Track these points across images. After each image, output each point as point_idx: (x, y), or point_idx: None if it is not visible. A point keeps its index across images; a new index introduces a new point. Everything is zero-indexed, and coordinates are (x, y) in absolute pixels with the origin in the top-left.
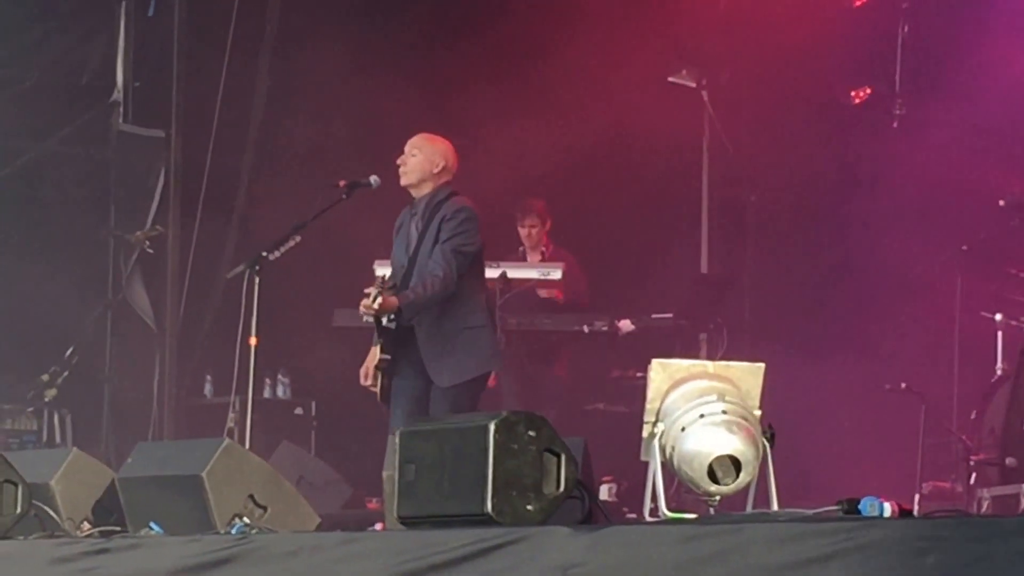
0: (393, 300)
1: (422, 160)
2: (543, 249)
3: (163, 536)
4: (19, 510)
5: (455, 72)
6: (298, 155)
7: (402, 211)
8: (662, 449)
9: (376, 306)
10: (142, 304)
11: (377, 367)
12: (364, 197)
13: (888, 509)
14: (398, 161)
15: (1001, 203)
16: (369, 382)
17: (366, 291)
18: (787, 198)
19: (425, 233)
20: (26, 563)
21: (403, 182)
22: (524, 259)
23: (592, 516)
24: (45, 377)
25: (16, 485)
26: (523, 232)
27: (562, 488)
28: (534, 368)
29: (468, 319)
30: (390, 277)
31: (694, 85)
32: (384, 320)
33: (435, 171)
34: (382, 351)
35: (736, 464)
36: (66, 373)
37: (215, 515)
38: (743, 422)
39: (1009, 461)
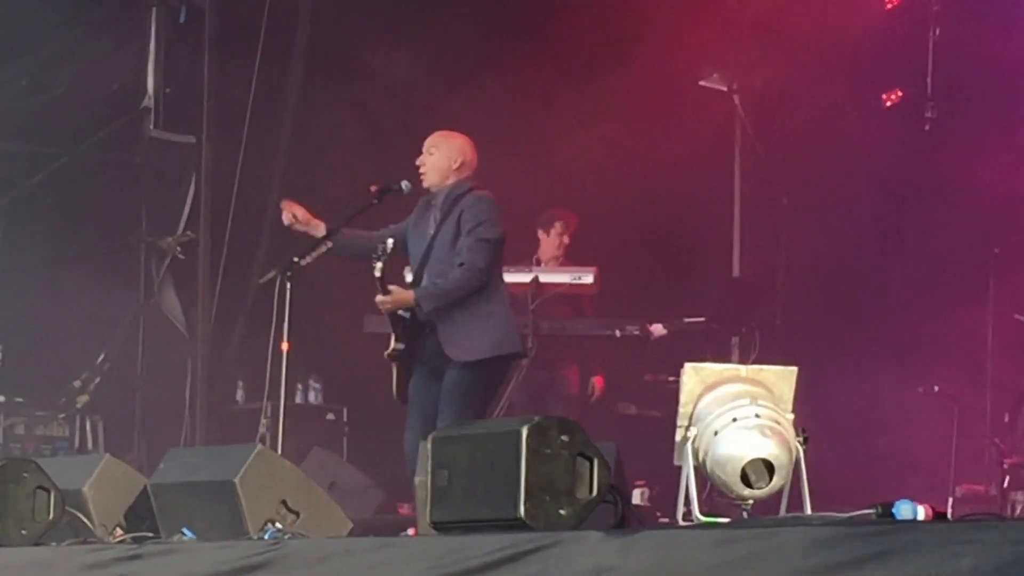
0: (408, 294)
1: (440, 158)
2: (562, 261)
3: (196, 542)
4: (52, 516)
5: (487, 78)
6: (329, 160)
7: (419, 201)
8: (695, 453)
9: (389, 300)
10: (174, 310)
11: (390, 356)
12: (395, 202)
13: (922, 512)
14: (417, 162)
15: None
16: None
17: (373, 264)
18: (818, 201)
19: (443, 224)
20: (59, 569)
21: (424, 183)
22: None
23: (625, 520)
24: (77, 383)
25: (49, 491)
26: (542, 237)
27: (595, 492)
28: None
29: (489, 305)
30: (392, 249)
31: (725, 89)
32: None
33: (454, 167)
34: (396, 340)
35: (769, 468)
36: (98, 379)
37: (248, 521)
38: (776, 426)
39: None
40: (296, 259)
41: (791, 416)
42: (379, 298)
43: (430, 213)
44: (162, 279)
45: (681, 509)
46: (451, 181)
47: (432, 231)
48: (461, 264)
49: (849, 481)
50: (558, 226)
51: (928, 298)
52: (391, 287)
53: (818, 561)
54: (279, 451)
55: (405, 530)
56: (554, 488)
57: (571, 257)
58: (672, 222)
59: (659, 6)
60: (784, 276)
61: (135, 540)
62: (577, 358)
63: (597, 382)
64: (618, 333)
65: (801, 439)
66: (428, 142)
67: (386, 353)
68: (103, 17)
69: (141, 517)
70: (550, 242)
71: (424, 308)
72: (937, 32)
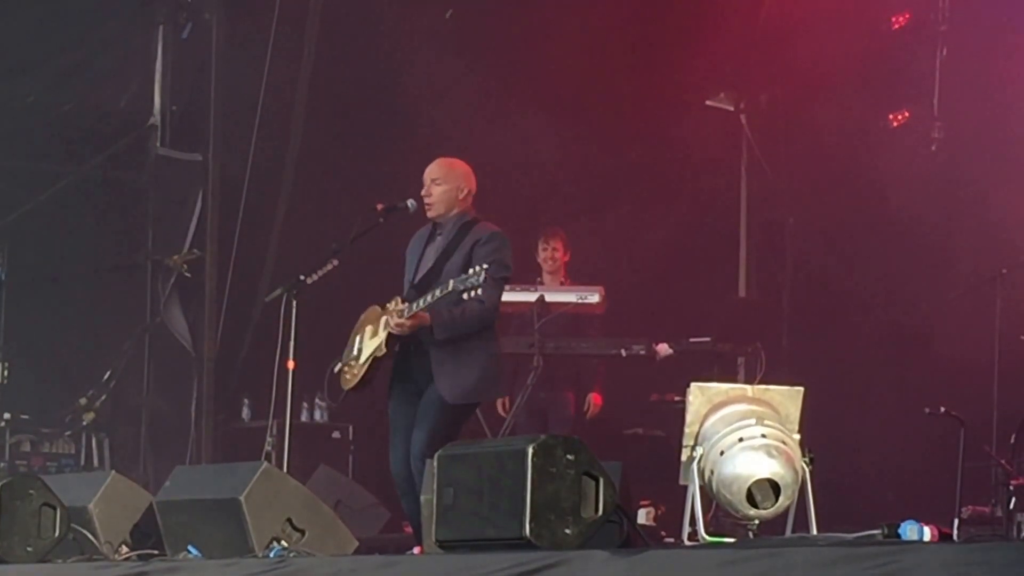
0: (425, 317)
1: (447, 189)
2: (562, 280)
3: (201, 560)
4: (58, 533)
5: (494, 95)
6: (336, 179)
7: (418, 231)
8: (701, 473)
9: (408, 321)
10: (180, 328)
11: (375, 355)
12: (401, 221)
13: (928, 533)
14: (423, 194)
15: None
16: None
17: (395, 309)
18: (825, 221)
19: (452, 253)
20: None
21: (431, 214)
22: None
23: (630, 540)
24: (83, 401)
25: (55, 508)
26: (543, 255)
27: (600, 512)
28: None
29: (484, 342)
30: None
31: (732, 108)
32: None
33: (460, 197)
34: (386, 343)
35: (775, 488)
36: (104, 397)
37: (253, 539)
38: (782, 446)
39: None
40: (302, 277)
41: (797, 436)
42: (400, 320)
43: (433, 243)
44: (168, 297)
45: (687, 529)
46: (456, 211)
47: (437, 256)
48: (479, 301)
49: (855, 501)
50: (556, 240)
51: (934, 318)
52: (403, 306)
53: None
54: (285, 469)
55: (411, 549)
56: (559, 507)
57: (577, 278)
58: (678, 242)
59: (667, 26)
60: (790, 296)
61: (141, 557)
62: (573, 378)
63: (594, 399)
64: (624, 353)
65: (807, 459)
66: (432, 172)
67: (371, 352)
68: (110, 35)
69: (147, 534)
70: (547, 255)
71: (438, 335)
72: (944, 52)
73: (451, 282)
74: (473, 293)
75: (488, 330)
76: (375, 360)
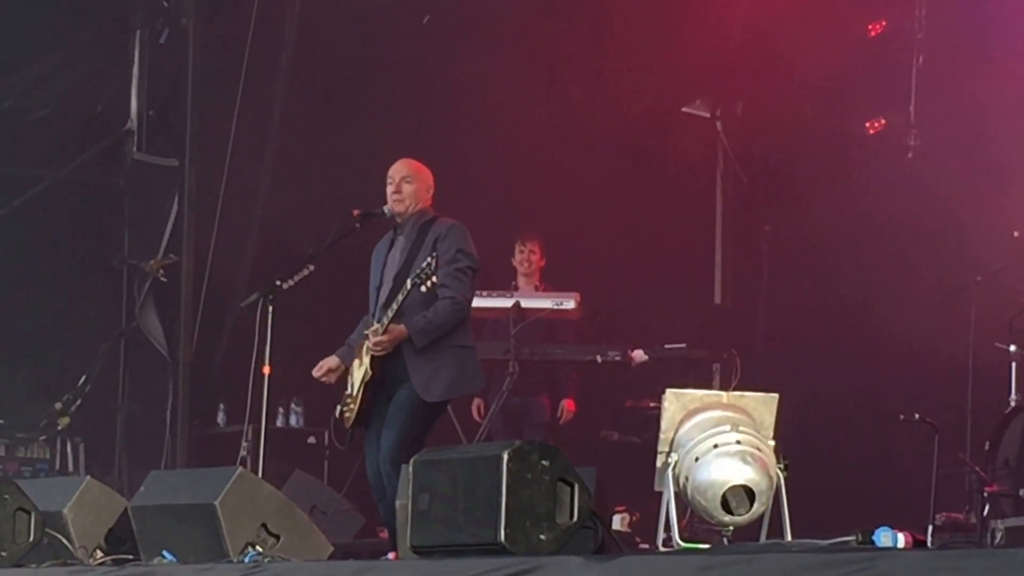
0: (402, 329)
1: (418, 188)
2: (536, 284)
3: (176, 564)
4: (32, 538)
5: (469, 100)
6: (313, 184)
7: (382, 239)
8: (676, 479)
9: (385, 338)
10: (155, 333)
11: (365, 381)
12: (378, 226)
13: (902, 540)
14: (392, 191)
15: (1016, 234)
16: (327, 378)
17: (371, 331)
18: (801, 228)
19: (417, 253)
20: None
21: (399, 209)
22: (517, 291)
23: (605, 546)
24: (58, 405)
25: (29, 513)
26: (519, 258)
27: (575, 518)
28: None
29: (458, 338)
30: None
31: (708, 115)
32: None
33: (427, 196)
34: (372, 367)
35: (750, 494)
36: (79, 401)
37: (228, 544)
38: (757, 452)
39: (1023, 492)
40: (278, 283)
41: (772, 443)
42: (377, 339)
43: (396, 246)
44: (144, 301)
45: (661, 535)
46: (418, 209)
47: (401, 261)
48: (449, 297)
49: (829, 508)
50: (532, 243)
51: (909, 325)
52: (376, 325)
53: None
54: (260, 474)
55: (385, 554)
56: (534, 513)
57: (552, 282)
58: (654, 248)
59: (642, 33)
60: (765, 303)
61: (115, 562)
62: (548, 384)
63: (568, 405)
64: (599, 359)
65: (782, 466)
66: (402, 171)
67: (362, 379)
68: (87, 39)
69: (121, 539)
70: (523, 258)
71: (419, 343)
72: (920, 60)
73: (407, 281)
74: (431, 283)
75: (463, 324)
76: (366, 387)
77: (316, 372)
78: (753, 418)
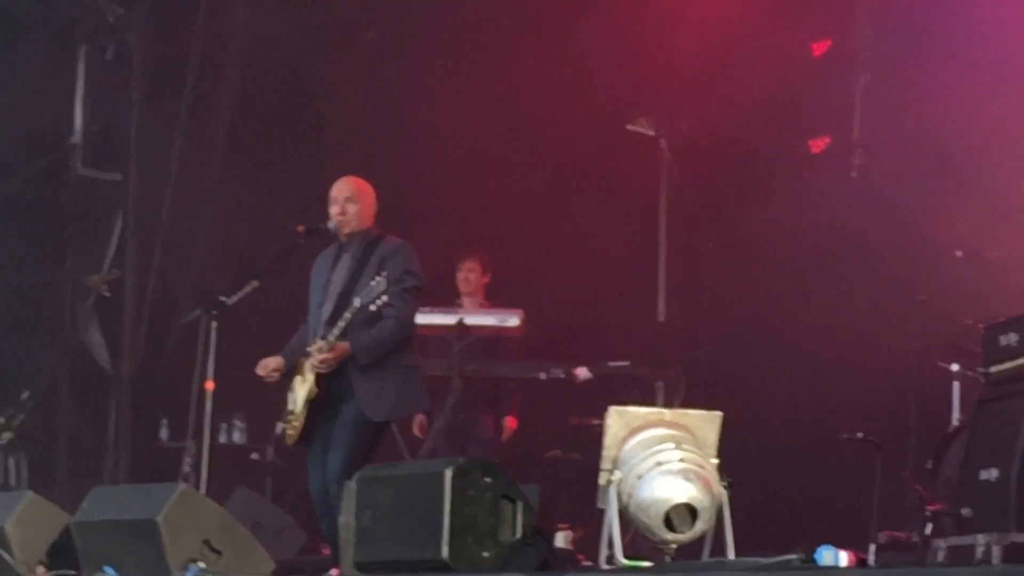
0: (345, 346)
1: (361, 208)
2: (481, 301)
3: None
4: None
5: (414, 120)
6: (257, 199)
7: (322, 253)
8: (619, 497)
9: (331, 355)
10: (98, 348)
11: (309, 399)
12: (322, 242)
13: (844, 558)
14: (336, 213)
15: (958, 254)
16: (270, 377)
17: (314, 348)
18: (745, 247)
19: (362, 271)
20: None
21: (346, 230)
22: (461, 307)
23: (548, 563)
24: (1, 420)
25: None
26: (460, 276)
27: (518, 535)
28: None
29: (404, 357)
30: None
31: (652, 133)
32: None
33: (371, 214)
34: (317, 384)
35: (693, 512)
36: (22, 416)
37: (170, 560)
38: (700, 470)
39: (965, 512)
40: (222, 298)
41: (715, 460)
42: (322, 356)
43: (339, 263)
44: (87, 316)
45: (604, 552)
46: (363, 228)
47: (346, 278)
48: (394, 316)
49: (772, 526)
50: (471, 261)
51: (852, 344)
52: (321, 342)
53: None
54: (203, 490)
55: (328, 571)
56: (477, 530)
57: (496, 299)
58: (597, 265)
59: (587, 50)
60: (709, 321)
61: None
62: (492, 401)
63: (509, 422)
64: (543, 376)
65: (725, 483)
66: (345, 191)
67: (306, 398)
68: (30, 53)
69: (64, 555)
70: (462, 277)
71: (362, 360)
72: (864, 79)
73: (356, 300)
74: (380, 302)
75: (406, 343)
76: (310, 404)
77: (260, 370)
78: (696, 436)
